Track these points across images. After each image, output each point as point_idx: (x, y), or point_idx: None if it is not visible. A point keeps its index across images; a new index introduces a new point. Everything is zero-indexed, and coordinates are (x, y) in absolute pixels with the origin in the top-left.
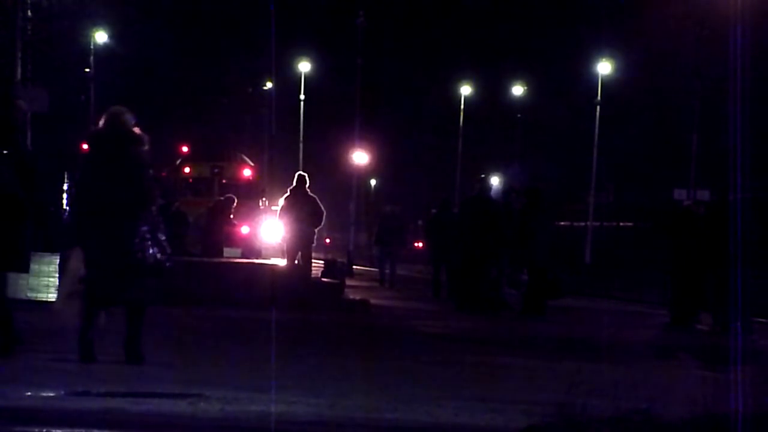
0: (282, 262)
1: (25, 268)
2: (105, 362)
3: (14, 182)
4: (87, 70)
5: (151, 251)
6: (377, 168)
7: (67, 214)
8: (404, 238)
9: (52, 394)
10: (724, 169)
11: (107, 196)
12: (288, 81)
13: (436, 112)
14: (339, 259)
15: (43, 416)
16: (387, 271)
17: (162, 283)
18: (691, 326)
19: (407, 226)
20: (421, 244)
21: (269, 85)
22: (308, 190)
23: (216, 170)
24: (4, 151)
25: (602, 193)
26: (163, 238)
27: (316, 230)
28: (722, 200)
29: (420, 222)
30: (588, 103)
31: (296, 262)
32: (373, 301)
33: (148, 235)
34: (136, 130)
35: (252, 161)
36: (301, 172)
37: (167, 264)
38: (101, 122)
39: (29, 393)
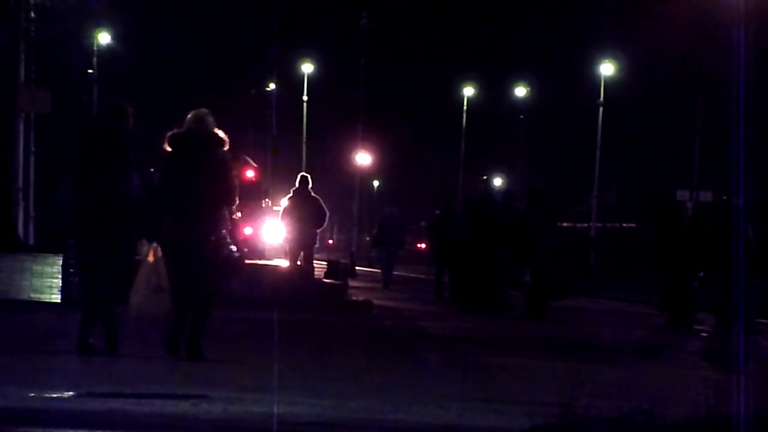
0: (284, 263)
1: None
2: (106, 362)
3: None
4: (90, 71)
5: (231, 248)
6: (380, 169)
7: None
8: (403, 239)
9: (54, 395)
10: (726, 170)
11: (193, 195)
12: (291, 82)
13: (438, 113)
14: (342, 260)
15: (45, 417)
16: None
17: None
18: (689, 327)
19: (406, 227)
20: (423, 245)
21: (272, 86)
22: (311, 191)
23: None
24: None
25: (605, 194)
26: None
27: (318, 231)
28: (726, 202)
29: (423, 223)
30: (591, 104)
31: (298, 263)
32: (376, 302)
33: (226, 234)
34: (219, 131)
35: (255, 162)
36: (303, 173)
37: (244, 262)
38: (185, 124)
39: (32, 394)
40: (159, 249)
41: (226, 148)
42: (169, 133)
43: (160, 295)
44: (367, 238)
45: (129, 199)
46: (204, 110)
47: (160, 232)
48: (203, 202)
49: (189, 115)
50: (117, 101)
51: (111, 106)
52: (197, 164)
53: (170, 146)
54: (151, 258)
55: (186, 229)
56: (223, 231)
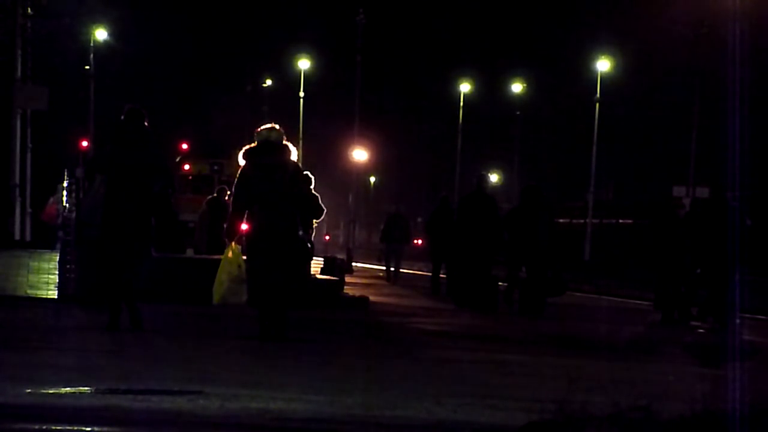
0: None
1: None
2: (105, 359)
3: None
4: (87, 67)
5: (307, 243)
6: (376, 165)
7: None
8: (410, 235)
9: (51, 391)
10: (722, 166)
11: (272, 197)
12: (287, 78)
13: (435, 110)
14: (338, 257)
15: (42, 413)
16: (392, 268)
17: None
18: (685, 323)
19: (411, 224)
20: (420, 242)
21: (269, 82)
22: None
23: (216, 167)
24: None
25: (601, 190)
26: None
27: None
28: (719, 198)
29: (419, 219)
30: (587, 101)
31: None
32: (372, 298)
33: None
34: (287, 143)
35: None
36: None
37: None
38: (256, 137)
39: (28, 390)
40: (237, 246)
41: (294, 157)
42: (243, 148)
43: (239, 286)
44: (366, 233)
45: (156, 196)
46: (275, 125)
47: (238, 231)
48: (282, 203)
49: (260, 129)
50: (135, 106)
51: (132, 111)
52: (274, 171)
53: (245, 159)
54: (230, 254)
55: (268, 228)
56: (300, 231)
